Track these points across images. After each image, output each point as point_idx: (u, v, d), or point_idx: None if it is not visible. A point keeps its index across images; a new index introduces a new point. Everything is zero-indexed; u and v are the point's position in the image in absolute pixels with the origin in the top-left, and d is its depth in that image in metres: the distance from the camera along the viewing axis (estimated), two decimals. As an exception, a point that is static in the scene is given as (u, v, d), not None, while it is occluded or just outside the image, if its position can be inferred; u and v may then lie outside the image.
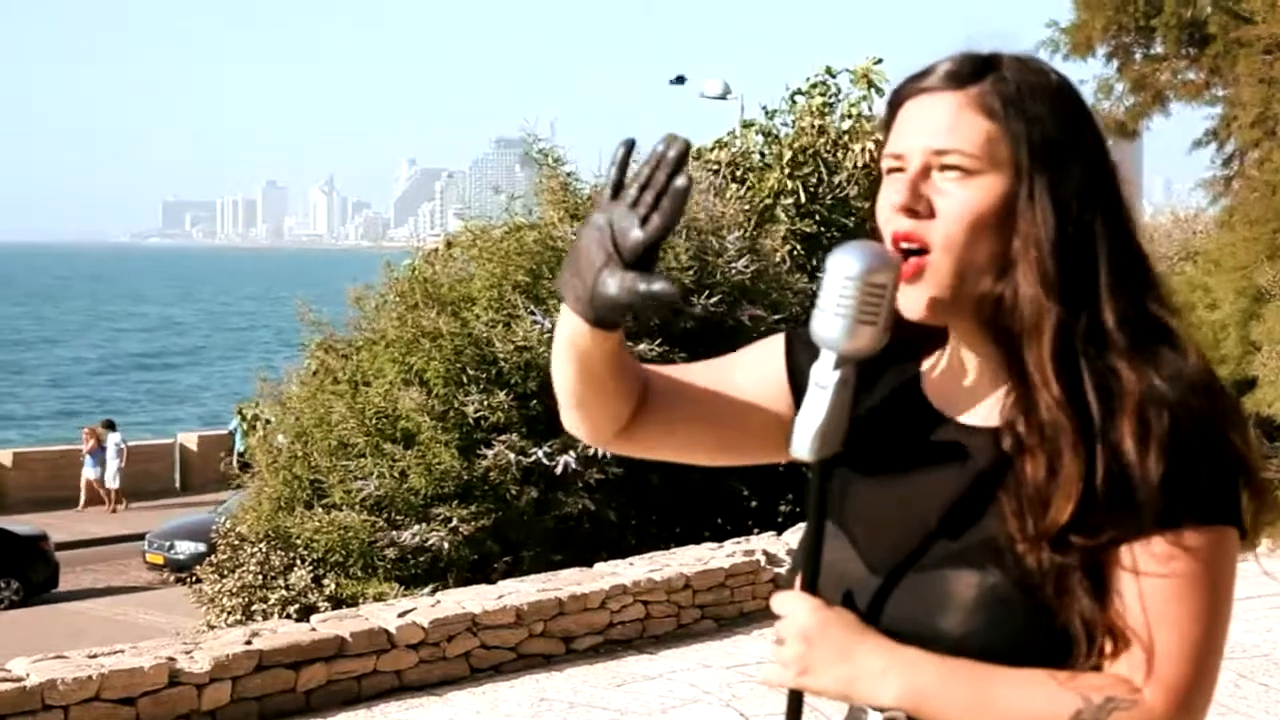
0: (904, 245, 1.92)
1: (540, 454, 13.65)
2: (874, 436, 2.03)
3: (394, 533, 13.57)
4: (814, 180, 19.40)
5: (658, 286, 1.84)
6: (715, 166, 19.33)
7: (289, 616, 12.79)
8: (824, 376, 1.89)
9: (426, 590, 12.35)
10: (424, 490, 13.74)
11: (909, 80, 2.00)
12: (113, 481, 34.13)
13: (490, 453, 13.67)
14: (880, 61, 20.27)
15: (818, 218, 19.24)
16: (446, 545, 13.46)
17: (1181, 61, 22.35)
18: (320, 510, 13.96)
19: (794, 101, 20.37)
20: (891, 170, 1.97)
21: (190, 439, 37.59)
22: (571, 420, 2.14)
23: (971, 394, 2.00)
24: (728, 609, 10.84)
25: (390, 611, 9.12)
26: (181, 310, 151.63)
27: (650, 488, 14.51)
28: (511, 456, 13.66)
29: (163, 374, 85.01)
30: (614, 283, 1.86)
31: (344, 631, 8.56)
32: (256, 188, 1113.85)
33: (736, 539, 12.46)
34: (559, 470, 13.76)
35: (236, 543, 14.47)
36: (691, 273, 14.99)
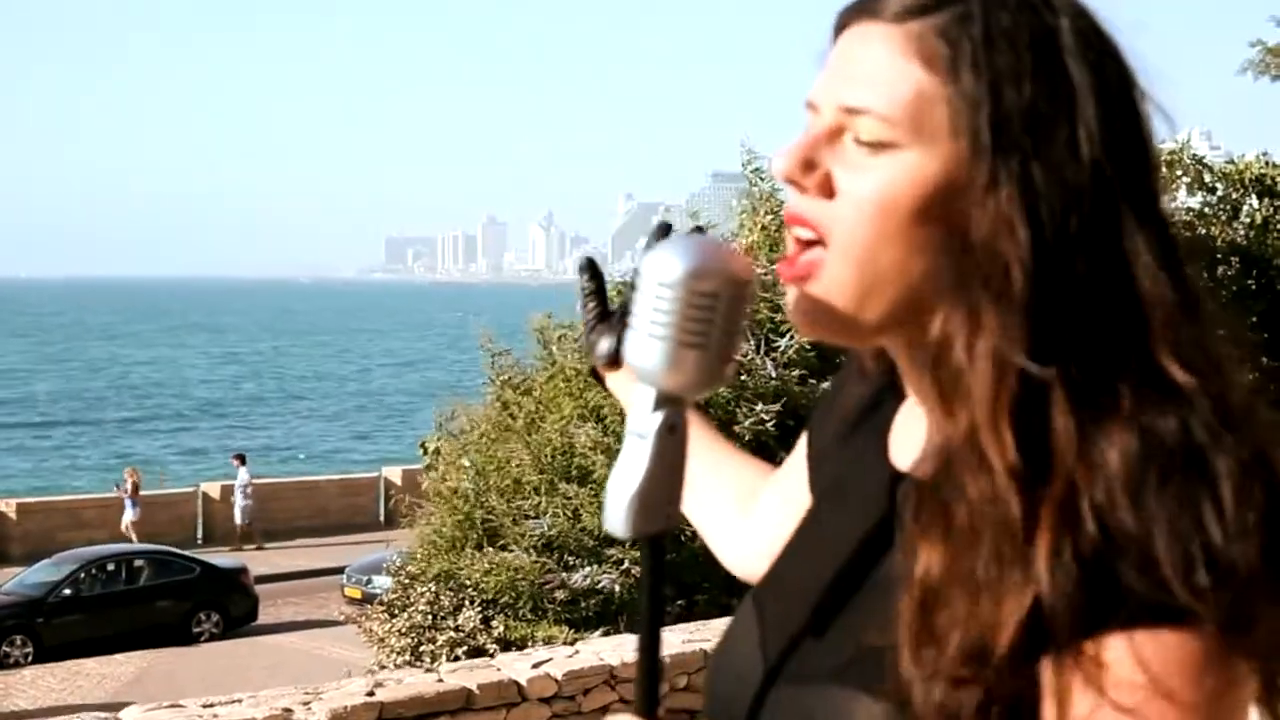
0: (797, 232, 1.44)
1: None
2: (822, 486, 1.68)
3: (565, 574, 13.41)
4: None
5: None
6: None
7: (457, 658, 12.62)
8: (642, 422, 1.43)
9: (598, 633, 12.16)
10: (597, 530, 13.47)
11: (853, 4, 1.49)
12: (241, 518, 34.44)
13: (665, 493, 13.32)
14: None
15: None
16: (618, 588, 13.26)
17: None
18: (491, 550, 13.82)
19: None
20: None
21: (394, 473, 37.89)
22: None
23: (916, 438, 1.52)
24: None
25: (524, 662, 8.78)
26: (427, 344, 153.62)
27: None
28: (687, 496, 13.32)
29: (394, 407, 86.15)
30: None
31: (472, 683, 8.22)
32: (477, 223, 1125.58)
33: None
34: (735, 511, 13.40)
35: (407, 582, 14.38)
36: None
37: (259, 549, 33.92)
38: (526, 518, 13.77)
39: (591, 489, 13.62)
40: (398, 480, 36.56)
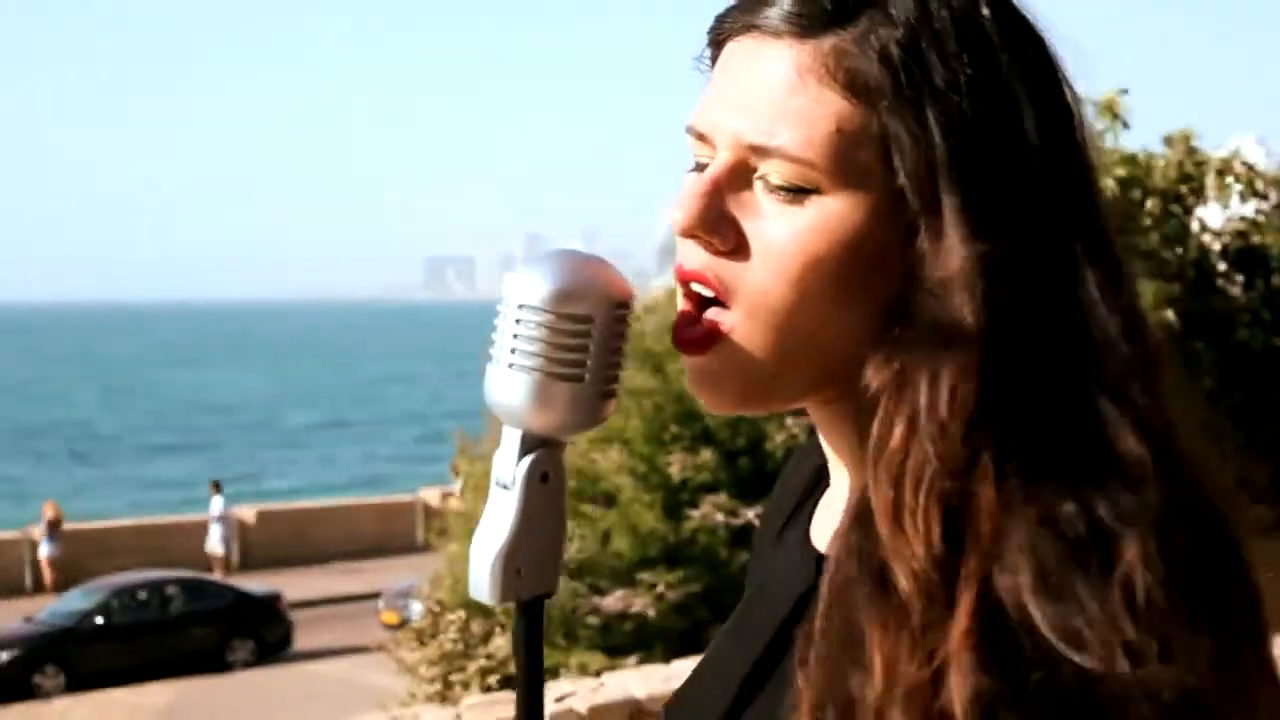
0: (695, 288, 1.24)
1: (752, 515, 13.06)
2: (750, 589, 1.49)
3: (596, 599, 13.12)
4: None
5: None
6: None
7: (488, 687, 12.43)
8: (506, 469, 1.27)
9: (632, 660, 11.90)
10: (628, 554, 13.29)
11: (737, 8, 1.26)
12: (221, 547, 33.72)
13: (697, 513, 13.21)
14: (1126, 92, 19.29)
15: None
16: (652, 612, 12.98)
17: None
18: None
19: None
20: (697, 159, 1.28)
21: (432, 494, 37.63)
22: None
23: (835, 513, 1.29)
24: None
25: (548, 695, 8.44)
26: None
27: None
28: (720, 517, 13.16)
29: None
30: None
31: (492, 718, 7.92)
32: (516, 241, 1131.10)
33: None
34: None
35: (437, 609, 14.08)
36: None
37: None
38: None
39: (619, 511, 13.42)
40: (435, 503, 36.36)
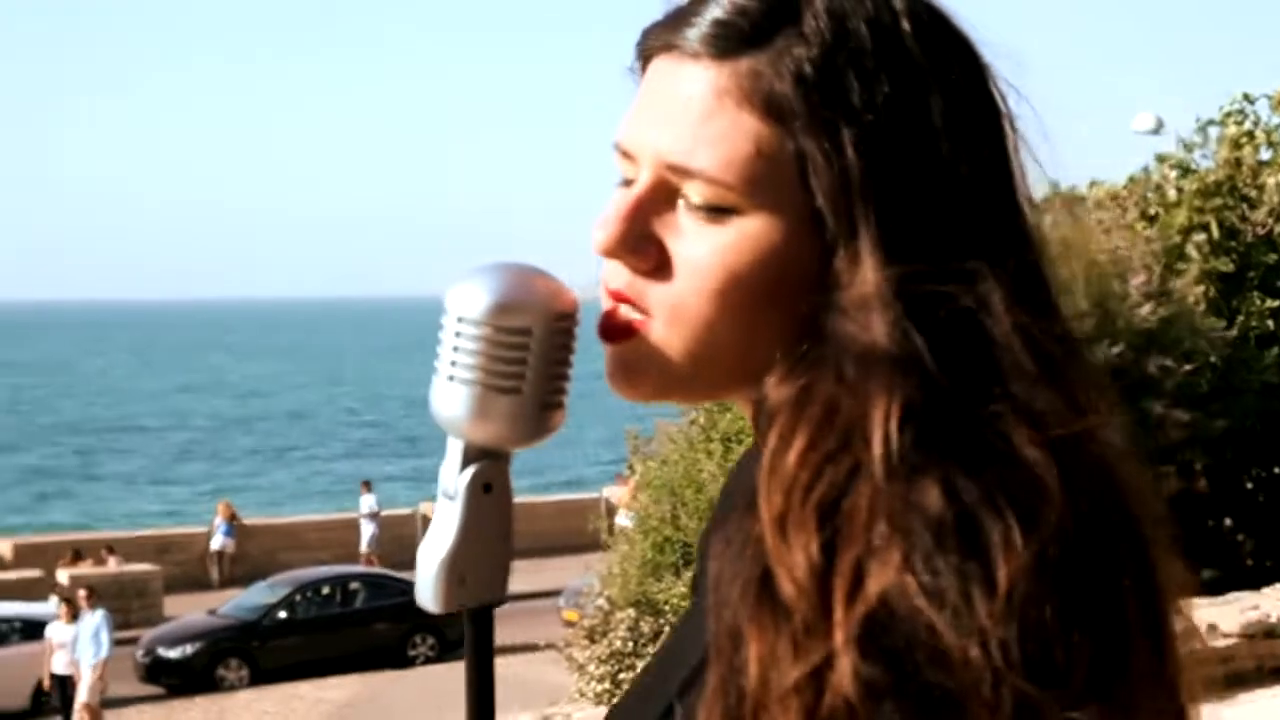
0: (622, 309, 1.26)
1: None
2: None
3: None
4: (1231, 216, 17.81)
5: None
6: (1122, 205, 18.04)
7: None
8: (451, 480, 1.30)
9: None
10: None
11: (660, 24, 1.27)
12: (369, 546, 34.17)
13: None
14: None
15: (1235, 256, 17.62)
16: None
17: None
18: (689, 574, 13.45)
19: (1205, 133, 18.89)
20: (623, 175, 1.29)
21: (615, 492, 37.73)
22: None
23: None
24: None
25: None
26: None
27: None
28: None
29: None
30: None
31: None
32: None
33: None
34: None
35: (607, 607, 14.10)
36: (1091, 319, 14.06)
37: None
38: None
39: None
40: (618, 501, 36.45)
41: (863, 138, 1.16)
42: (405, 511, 36.85)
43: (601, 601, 14.39)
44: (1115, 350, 14.01)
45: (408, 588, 27.21)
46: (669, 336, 1.23)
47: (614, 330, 1.24)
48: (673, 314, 1.22)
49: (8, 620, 25.55)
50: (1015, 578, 1.06)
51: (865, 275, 1.15)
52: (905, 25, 1.19)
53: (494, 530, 1.31)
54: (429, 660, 26.53)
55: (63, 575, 29.14)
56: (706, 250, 1.20)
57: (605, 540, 17.53)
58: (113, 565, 30.72)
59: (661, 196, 1.23)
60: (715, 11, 1.21)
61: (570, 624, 25.93)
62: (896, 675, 1.04)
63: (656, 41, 1.26)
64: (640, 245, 1.23)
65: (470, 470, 1.29)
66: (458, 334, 1.25)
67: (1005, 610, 1.05)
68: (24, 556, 33.12)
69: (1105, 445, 1.18)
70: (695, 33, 1.21)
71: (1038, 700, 1.04)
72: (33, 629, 24.41)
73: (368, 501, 34.52)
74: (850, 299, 1.15)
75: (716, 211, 1.20)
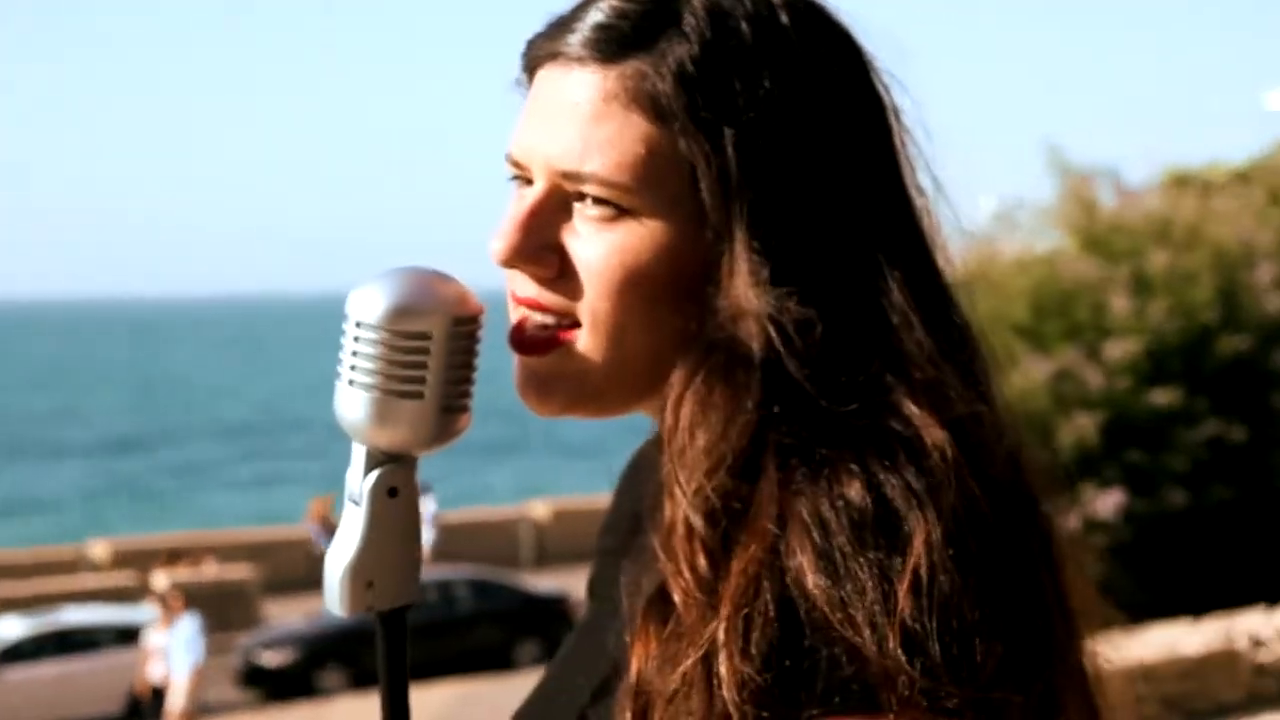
0: (538, 320, 1.30)
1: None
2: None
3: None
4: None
5: None
6: (1249, 186, 16.93)
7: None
8: (356, 485, 1.30)
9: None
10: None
11: (543, 34, 1.31)
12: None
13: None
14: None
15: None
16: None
17: None
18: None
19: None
20: (517, 179, 1.32)
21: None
22: None
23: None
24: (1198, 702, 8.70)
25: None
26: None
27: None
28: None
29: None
30: None
31: None
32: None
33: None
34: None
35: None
36: (1216, 308, 13.81)
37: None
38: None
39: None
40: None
41: (742, 136, 1.21)
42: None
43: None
44: (1242, 341, 13.66)
45: (513, 593, 27.05)
46: (592, 346, 1.27)
47: (534, 343, 1.29)
48: (593, 321, 1.26)
49: (101, 626, 25.42)
50: (934, 568, 1.11)
51: (739, 279, 1.20)
52: (784, 19, 1.24)
53: (401, 534, 1.32)
54: (535, 664, 26.04)
55: (160, 579, 28.71)
56: (604, 252, 1.25)
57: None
58: (210, 568, 30.33)
59: (557, 204, 1.28)
60: (597, 16, 1.26)
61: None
62: (785, 671, 1.11)
63: (541, 51, 1.31)
64: (539, 254, 1.28)
65: (374, 475, 1.30)
66: (356, 339, 1.26)
67: (926, 601, 1.11)
68: (123, 560, 32.88)
69: (1003, 422, 1.25)
70: (578, 38, 1.26)
71: (951, 692, 1.09)
72: (127, 635, 24.24)
73: (427, 505, 34.07)
74: (727, 303, 1.21)
75: (611, 215, 1.25)
